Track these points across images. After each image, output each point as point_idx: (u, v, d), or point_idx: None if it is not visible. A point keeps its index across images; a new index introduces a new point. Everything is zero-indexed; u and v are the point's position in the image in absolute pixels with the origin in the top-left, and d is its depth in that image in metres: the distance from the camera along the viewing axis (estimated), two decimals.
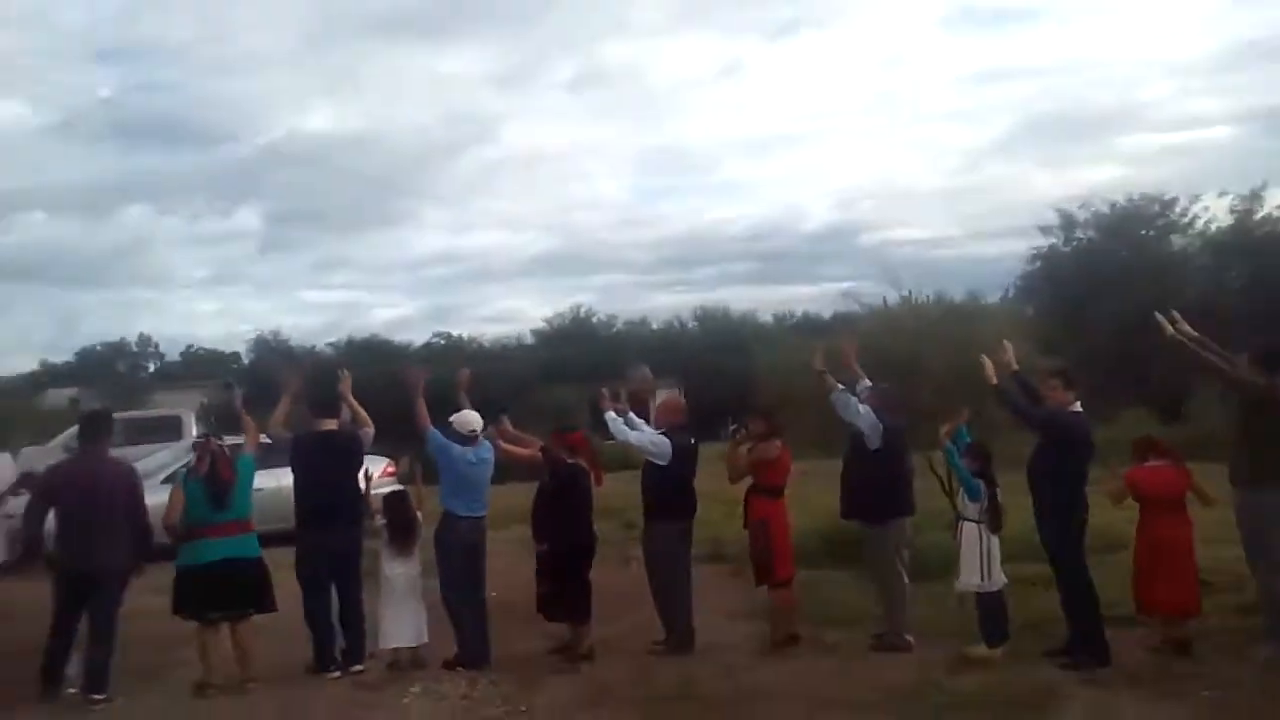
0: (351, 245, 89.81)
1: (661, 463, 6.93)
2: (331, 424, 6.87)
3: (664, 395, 7.43)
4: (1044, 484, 6.31)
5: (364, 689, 6.31)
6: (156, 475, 10.29)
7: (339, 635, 6.71)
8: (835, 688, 5.99)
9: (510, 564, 9.26)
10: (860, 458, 6.88)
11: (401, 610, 6.70)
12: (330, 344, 43.63)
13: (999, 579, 6.47)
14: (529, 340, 47.48)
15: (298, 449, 6.77)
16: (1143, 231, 23.64)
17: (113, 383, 47.23)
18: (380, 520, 6.93)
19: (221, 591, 6.21)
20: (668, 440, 6.96)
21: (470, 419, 6.87)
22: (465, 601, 6.76)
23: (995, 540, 6.51)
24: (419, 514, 7.00)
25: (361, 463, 6.95)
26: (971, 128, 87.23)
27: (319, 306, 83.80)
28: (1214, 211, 23.48)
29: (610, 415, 7.07)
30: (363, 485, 6.94)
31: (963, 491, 6.59)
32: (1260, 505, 6.07)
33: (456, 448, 6.76)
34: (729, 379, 30.38)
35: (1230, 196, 23.02)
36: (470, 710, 5.84)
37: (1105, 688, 5.73)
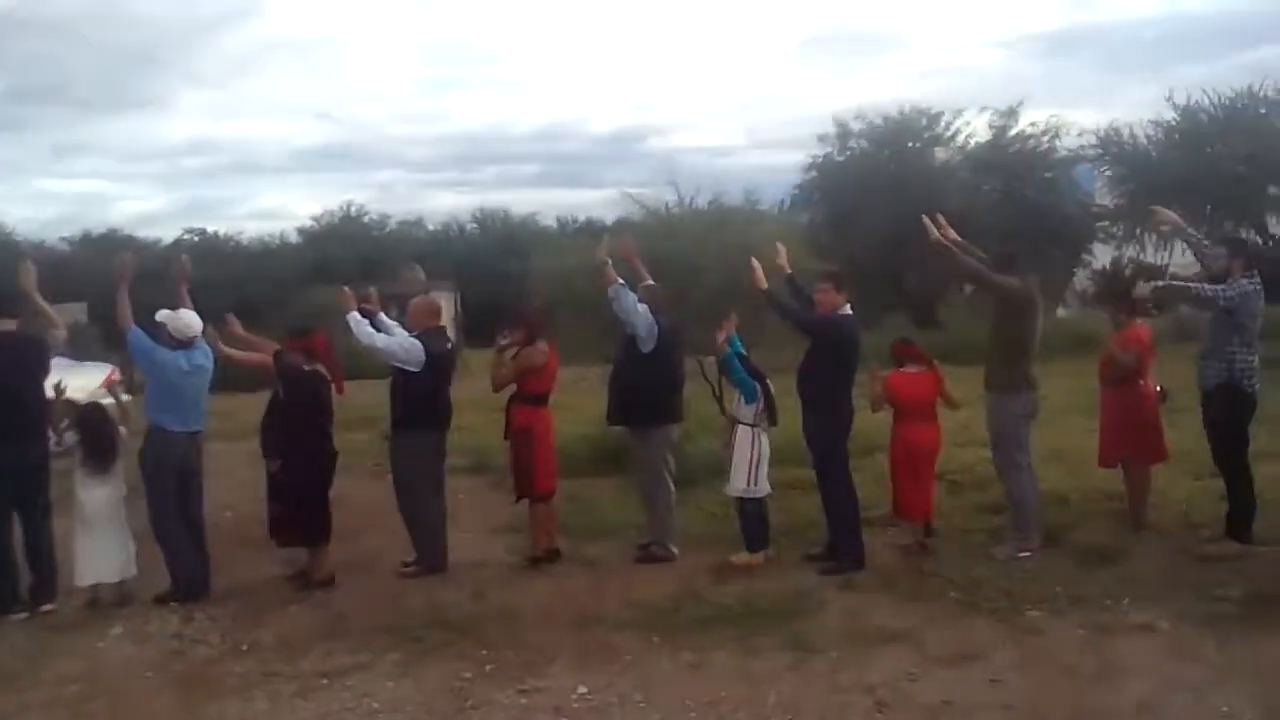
0: (97, 128, 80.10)
1: (413, 369, 6.26)
2: (9, 324, 5.74)
3: (415, 300, 6.72)
4: (811, 387, 6.17)
5: (54, 632, 5.40)
6: None
7: (25, 571, 5.73)
8: (592, 604, 5.68)
9: (245, 480, 8.44)
10: (631, 360, 6.51)
11: (101, 540, 5.78)
12: (64, 239, 39.06)
13: (764, 486, 6.34)
14: (294, 239, 44.52)
15: None
16: (910, 144, 24.49)
17: None
18: (71, 435, 5.91)
19: None
20: (420, 345, 6.29)
21: (187, 320, 5.94)
22: (177, 527, 5.91)
23: (766, 445, 6.36)
24: (123, 428, 6.03)
25: (47, 369, 5.88)
26: (762, 39, 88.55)
27: (56, 196, 74.72)
28: (974, 127, 24.64)
29: (353, 317, 6.31)
30: (51, 395, 5.88)
31: (738, 395, 6.36)
32: (1008, 406, 6.22)
33: (165, 352, 5.82)
34: (507, 283, 29.67)
35: (989, 113, 24.19)
36: (180, 653, 5.10)
37: (860, 591, 5.72)
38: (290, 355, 6.13)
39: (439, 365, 6.39)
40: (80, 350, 16.34)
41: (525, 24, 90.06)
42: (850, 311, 6.31)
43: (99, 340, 17.96)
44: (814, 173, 25.32)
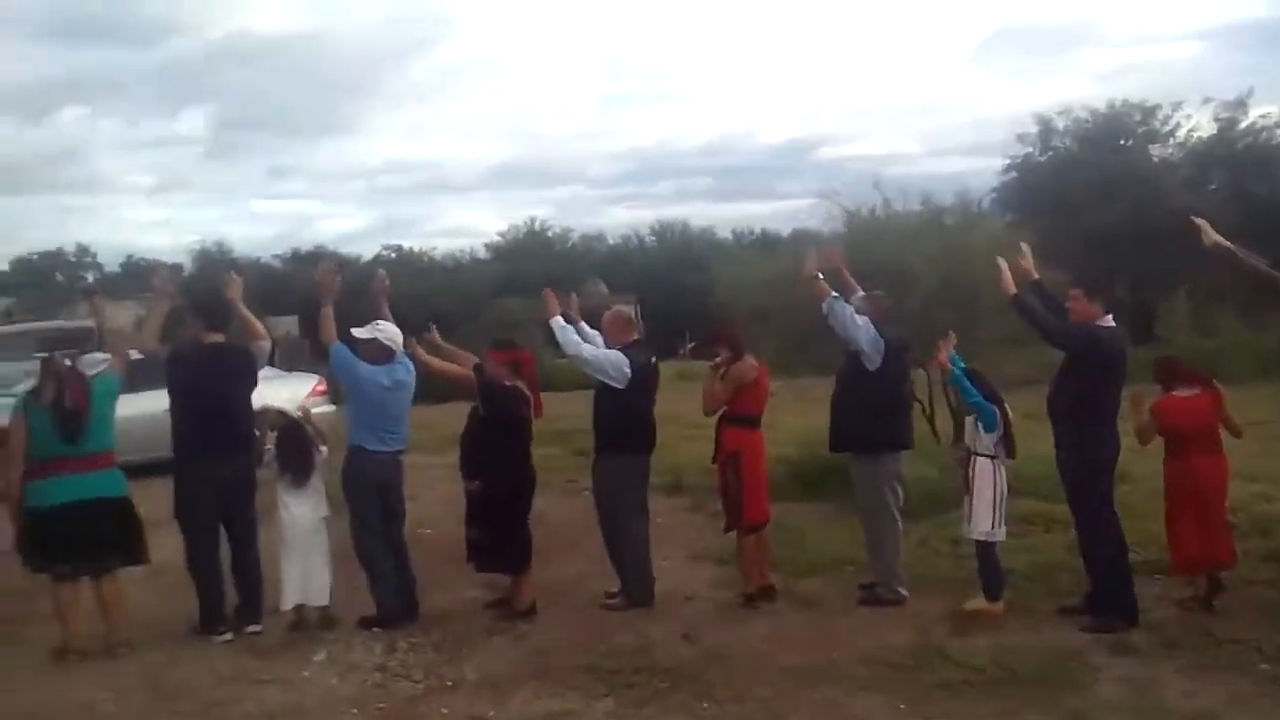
0: (304, 152, 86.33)
1: (618, 386, 5.83)
2: (218, 336, 5.66)
3: (609, 312, 6.30)
4: (1069, 409, 5.35)
5: (257, 656, 5.23)
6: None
7: (231, 589, 5.65)
8: (818, 653, 5.05)
9: (442, 496, 8.27)
10: (854, 379, 5.85)
11: (307, 561, 5.62)
12: (276, 256, 41.77)
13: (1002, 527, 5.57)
14: (483, 255, 46.03)
15: (176, 365, 5.55)
16: (1122, 141, 22.65)
17: (51, 293, 45.44)
18: (270, 450, 5.80)
19: (78, 540, 5.06)
20: (625, 359, 5.86)
21: (388, 332, 5.72)
22: (381, 549, 5.69)
23: (1005, 479, 5.60)
24: (321, 443, 5.87)
25: (255, 381, 5.78)
26: (936, 44, 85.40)
27: (269, 217, 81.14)
28: (1196, 121, 22.59)
29: (557, 323, 5.95)
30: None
31: (975, 422, 5.60)
32: None
33: (366, 368, 5.61)
34: (686, 295, 29.41)
35: (1214, 104, 22.10)
36: (382, 686, 4.80)
37: (1138, 656, 4.84)
38: (493, 368, 5.82)
39: (643, 381, 5.94)
40: (290, 362, 17.14)
41: (693, 40, 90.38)
42: (1113, 323, 5.46)
43: (307, 352, 18.82)
44: (1013, 174, 23.80)
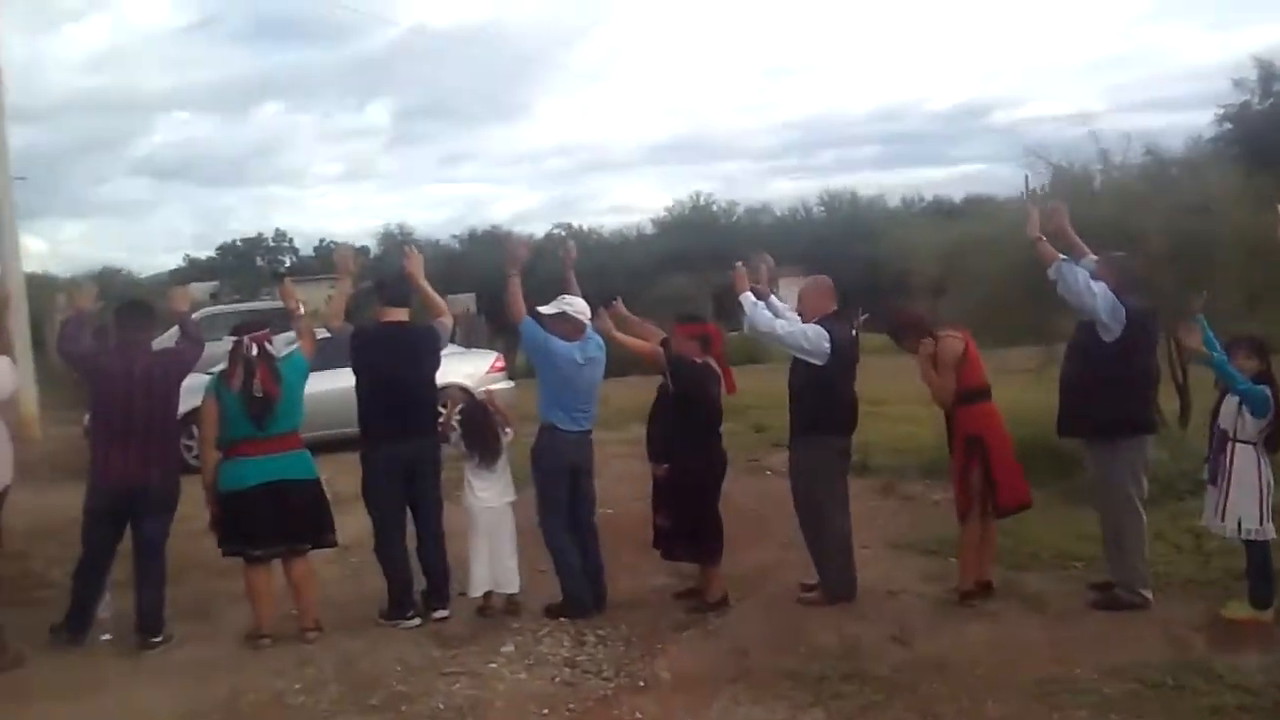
0: (476, 138, 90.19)
1: (817, 362, 5.34)
2: (401, 314, 5.50)
3: (806, 280, 5.79)
4: None
5: (444, 645, 5.05)
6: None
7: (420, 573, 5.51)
8: (1054, 664, 4.45)
9: (624, 474, 7.99)
10: (1089, 353, 5.15)
11: (492, 546, 5.42)
12: (454, 236, 43.11)
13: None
14: (649, 230, 45.96)
15: (359, 344, 5.42)
16: None
17: (251, 277, 48.84)
18: (455, 434, 5.60)
19: (270, 522, 5.01)
20: (824, 332, 5.35)
21: (577, 306, 5.43)
22: (569, 534, 5.43)
23: (1270, 469, 4.81)
24: (506, 424, 5.65)
25: (438, 360, 5.61)
26: None
27: (445, 200, 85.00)
28: None
29: (748, 299, 5.50)
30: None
31: (1239, 405, 4.82)
32: None
33: (559, 343, 5.33)
34: (856, 266, 28.33)
35: None
36: (572, 685, 4.52)
37: None
38: (680, 343, 5.43)
39: (844, 357, 5.42)
40: (468, 338, 17.42)
41: (857, 4, 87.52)
42: None
43: (485, 329, 19.16)
44: (1228, 124, 21.52)
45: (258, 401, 4.95)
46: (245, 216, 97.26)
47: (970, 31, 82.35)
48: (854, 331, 5.57)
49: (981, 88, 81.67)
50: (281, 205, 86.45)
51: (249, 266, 56.38)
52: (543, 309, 5.40)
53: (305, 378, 5.22)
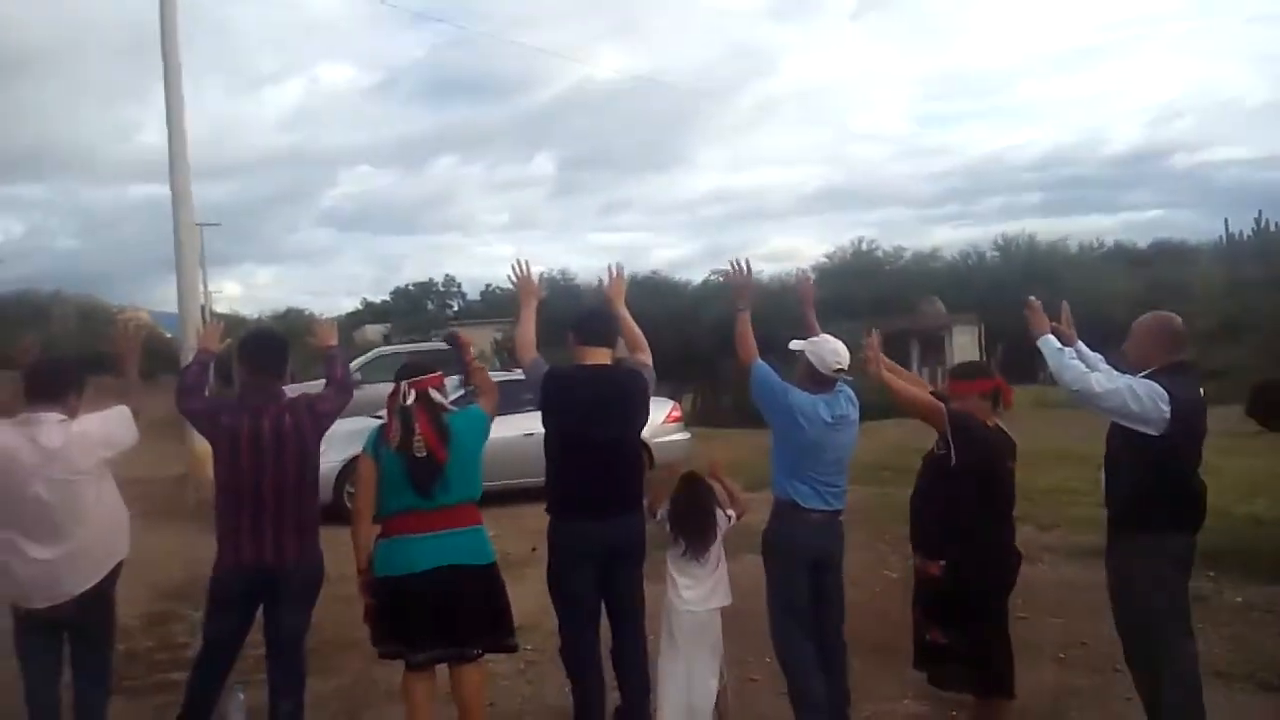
0: (635, 187, 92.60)
1: (1150, 431, 3.90)
2: (603, 355, 4.37)
3: (1143, 319, 4.36)
4: None
5: None
6: None
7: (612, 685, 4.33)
8: None
9: (860, 559, 6.63)
10: None
11: (691, 660, 4.18)
12: None
13: None
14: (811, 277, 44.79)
15: (554, 391, 4.28)
16: None
17: (422, 319, 50.76)
18: (661, 512, 4.39)
19: (435, 619, 3.90)
20: (1164, 392, 3.92)
21: (835, 350, 4.21)
22: (810, 650, 4.15)
23: None
24: (731, 504, 4.43)
25: (646, 414, 4.46)
26: None
27: (605, 247, 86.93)
28: None
29: (1050, 344, 4.16)
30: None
31: None
32: None
33: (802, 396, 4.13)
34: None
35: None
36: None
37: None
38: (966, 401, 4.11)
39: (1188, 426, 3.96)
40: None
41: (1023, 47, 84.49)
42: None
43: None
44: None
45: (420, 464, 3.89)
46: (418, 263, 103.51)
47: (1145, 71, 77.58)
48: (1200, 393, 4.11)
49: (1158, 130, 77.14)
50: (451, 252, 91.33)
51: (420, 310, 58.77)
52: (796, 344, 4.21)
53: (484, 437, 4.11)
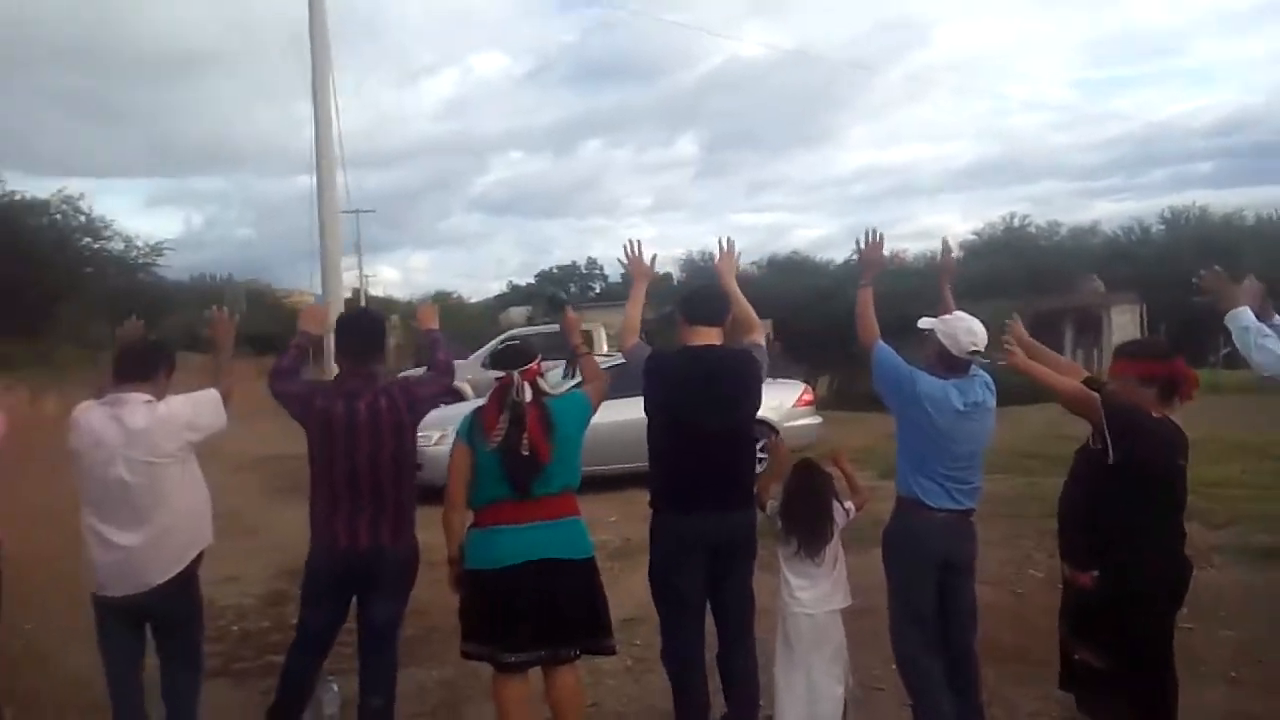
0: (781, 166, 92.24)
1: None
2: (712, 335, 4.03)
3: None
4: None
5: None
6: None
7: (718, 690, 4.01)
8: None
9: (990, 561, 6.10)
10: None
11: (809, 667, 3.81)
12: (753, 263, 42.52)
13: None
14: (956, 255, 43.13)
15: (657, 373, 4.00)
16: None
17: (561, 302, 52.26)
18: (772, 505, 4.02)
19: (530, 617, 3.64)
20: None
21: (971, 329, 3.76)
22: (936, 661, 3.72)
23: None
24: (850, 497, 4.02)
25: (760, 399, 4.10)
26: None
27: (748, 228, 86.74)
28: None
29: (1240, 317, 3.58)
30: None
31: None
32: None
33: (930, 381, 3.69)
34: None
35: None
36: None
37: None
38: (1126, 387, 3.55)
39: None
40: (770, 368, 16.22)
41: (1197, 3, 78.50)
42: None
43: (782, 356, 18.12)
44: None
45: (523, 462, 3.62)
46: (566, 246, 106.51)
47: None
48: None
49: None
50: (597, 235, 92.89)
51: (564, 292, 59.98)
52: (926, 322, 3.78)
53: (585, 426, 3.83)
